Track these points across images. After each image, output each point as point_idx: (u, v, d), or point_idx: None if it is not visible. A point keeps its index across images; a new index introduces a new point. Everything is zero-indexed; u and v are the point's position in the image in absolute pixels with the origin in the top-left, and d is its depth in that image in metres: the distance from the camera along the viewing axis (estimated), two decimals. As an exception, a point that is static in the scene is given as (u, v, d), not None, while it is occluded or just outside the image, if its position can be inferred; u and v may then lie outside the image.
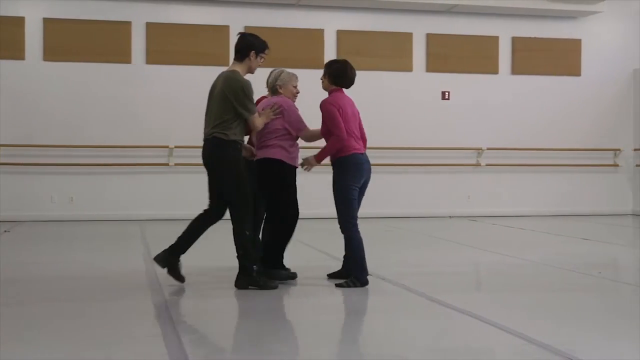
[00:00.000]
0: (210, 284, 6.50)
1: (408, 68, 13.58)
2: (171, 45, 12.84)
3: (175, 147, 12.73)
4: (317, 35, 13.18)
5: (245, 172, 6.13)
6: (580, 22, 14.33)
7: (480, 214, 13.67)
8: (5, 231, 10.72)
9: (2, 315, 5.16)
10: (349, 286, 6.21)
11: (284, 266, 6.63)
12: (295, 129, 6.47)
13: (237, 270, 6.16)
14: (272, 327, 5.10)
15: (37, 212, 12.29)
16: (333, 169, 6.37)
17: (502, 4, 13.51)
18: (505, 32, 14.04)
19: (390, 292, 6.26)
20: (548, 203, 14.10)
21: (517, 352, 4.38)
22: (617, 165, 14.44)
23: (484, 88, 13.96)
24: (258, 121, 6.12)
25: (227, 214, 6.24)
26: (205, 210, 6.31)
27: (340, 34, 13.32)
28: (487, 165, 13.89)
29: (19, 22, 12.39)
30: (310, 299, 6.00)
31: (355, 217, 6.29)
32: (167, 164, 12.74)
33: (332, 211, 6.43)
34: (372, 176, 6.52)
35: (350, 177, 6.24)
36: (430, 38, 13.75)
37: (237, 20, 13.03)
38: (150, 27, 12.79)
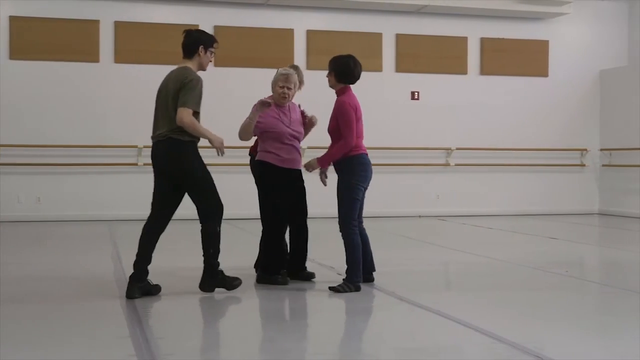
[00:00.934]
0: (177, 284, 6.46)
1: (378, 68, 13.62)
2: (140, 44, 12.74)
3: (144, 146, 12.63)
4: (286, 35, 13.17)
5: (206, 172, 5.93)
6: (547, 24, 14.48)
7: (450, 214, 13.75)
8: (-30, 232, 10.57)
9: (-32, 317, 5.10)
10: (343, 290, 6.07)
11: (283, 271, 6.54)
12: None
13: (200, 272, 6.04)
14: (239, 328, 5.09)
15: (4, 213, 12.12)
16: (338, 167, 6.21)
17: (470, 5, 13.61)
18: (474, 32, 14.14)
19: (360, 291, 6.27)
20: (516, 202, 14.23)
21: (486, 350, 4.42)
22: (584, 165, 14.61)
23: (453, 88, 14.04)
24: (185, 116, 5.65)
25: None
26: (149, 220, 6.03)
27: (310, 33, 13.32)
28: (456, 165, 13.98)
29: (-15, 20, 12.24)
30: (277, 301, 5.99)
31: (355, 219, 6.20)
32: (135, 164, 12.65)
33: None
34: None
35: (359, 177, 6.18)
36: (399, 38, 13.81)
37: (207, 20, 12.97)
38: (119, 26, 12.69)
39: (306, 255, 6.67)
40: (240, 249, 8.58)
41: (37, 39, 12.34)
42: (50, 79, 12.41)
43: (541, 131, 14.33)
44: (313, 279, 6.59)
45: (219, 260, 5.95)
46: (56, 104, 12.42)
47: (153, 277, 6.02)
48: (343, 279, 6.18)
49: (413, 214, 13.62)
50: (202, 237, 5.95)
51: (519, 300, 5.97)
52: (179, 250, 8.73)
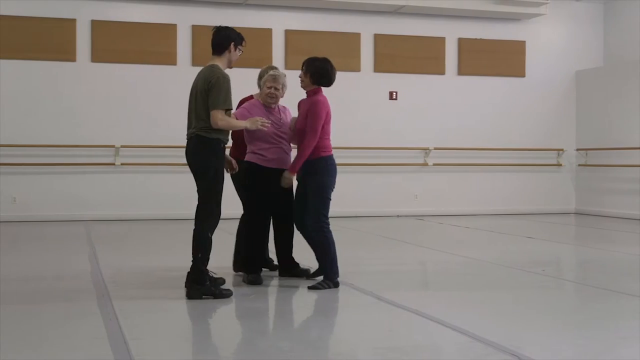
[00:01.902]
0: (156, 284, 6.43)
1: (356, 68, 13.64)
2: (117, 43, 12.66)
3: (122, 146, 12.57)
4: (265, 34, 13.15)
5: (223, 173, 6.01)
6: (524, 24, 14.58)
7: (427, 213, 13.80)
8: (-55, 232, 10.46)
9: (-58, 318, 5.04)
10: (323, 288, 6.14)
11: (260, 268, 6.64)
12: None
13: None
14: (217, 329, 5.07)
15: (-21, 213, 12.01)
16: (312, 169, 6.25)
17: (448, 6, 13.66)
18: (451, 33, 14.20)
19: (337, 291, 6.28)
20: (493, 202, 14.31)
21: (463, 349, 4.44)
22: (560, 165, 14.72)
23: (431, 88, 14.09)
24: (219, 118, 5.75)
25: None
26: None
27: (289, 33, 13.31)
28: (434, 164, 14.03)
29: (-41, 18, 12.11)
30: (256, 302, 5.98)
31: (328, 218, 6.28)
32: (113, 164, 12.57)
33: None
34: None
35: (330, 177, 6.28)
36: (377, 38, 13.84)
37: (185, 19, 12.93)
38: (96, 24, 12.60)
39: (291, 253, 6.74)
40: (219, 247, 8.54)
41: (13, 38, 12.22)
42: (26, 78, 12.29)
43: (518, 131, 14.42)
44: (306, 276, 6.67)
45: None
46: (32, 103, 12.31)
47: (133, 277, 6.01)
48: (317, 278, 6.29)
49: (391, 214, 13.66)
50: (193, 240, 5.89)
51: (496, 299, 6.00)
52: (163, 250, 8.69)
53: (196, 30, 12.90)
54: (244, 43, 6.12)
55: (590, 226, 12.54)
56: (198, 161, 5.87)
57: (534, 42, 14.63)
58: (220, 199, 5.91)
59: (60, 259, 8.13)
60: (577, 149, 14.75)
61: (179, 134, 12.71)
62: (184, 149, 6.04)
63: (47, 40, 12.38)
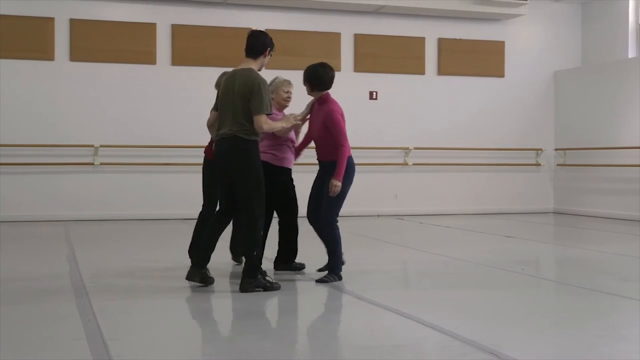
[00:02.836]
0: (135, 285, 6.41)
1: (336, 68, 13.40)
2: (96, 42, 12.58)
3: (101, 146, 12.50)
4: (245, 34, 13.01)
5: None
6: (503, 25, 14.66)
7: (408, 213, 13.84)
8: None
9: None
10: (329, 281, 6.44)
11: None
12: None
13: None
14: (198, 328, 5.06)
15: (-44, 213, 11.90)
16: (328, 169, 6.49)
17: (428, 6, 13.71)
18: (431, 33, 14.25)
19: (318, 290, 6.28)
20: (473, 201, 14.38)
21: (443, 348, 4.46)
22: (539, 165, 14.82)
23: (411, 88, 14.13)
24: (263, 122, 5.96)
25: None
26: (212, 213, 6.46)
27: (269, 33, 13.24)
28: (414, 164, 14.08)
29: (-64, 16, 11.98)
30: (237, 301, 5.97)
31: (338, 216, 6.63)
32: (92, 164, 12.50)
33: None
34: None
35: (348, 179, 6.60)
36: (358, 38, 13.86)
37: (164, 18, 12.87)
38: (75, 23, 12.52)
39: (296, 251, 7.04)
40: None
41: (-10, 37, 12.12)
42: (3, 77, 12.18)
43: (497, 131, 14.50)
44: (303, 270, 7.00)
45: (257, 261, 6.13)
46: (10, 102, 12.20)
47: (110, 278, 5.98)
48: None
49: (371, 213, 13.68)
50: (245, 239, 6.12)
51: (475, 298, 6.03)
52: (142, 250, 8.65)
53: (176, 29, 12.85)
54: (274, 48, 6.37)
55: (569, 225, 12.64)
56: (238, 163, 5.99)
57: (513, 42, 14.72)
58: (264, 194, 6.06)
59: (39, 259, 8.06)
60: (556, 149, 14.85)
61: (159, 134, 12.84)
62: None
63: (24, 39, 12.27)
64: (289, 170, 6.94)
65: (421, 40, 14.19)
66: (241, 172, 5.99)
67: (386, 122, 13.90)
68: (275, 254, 7.10)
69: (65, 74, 12.47)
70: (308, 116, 6.69)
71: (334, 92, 6.74)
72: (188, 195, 12.72)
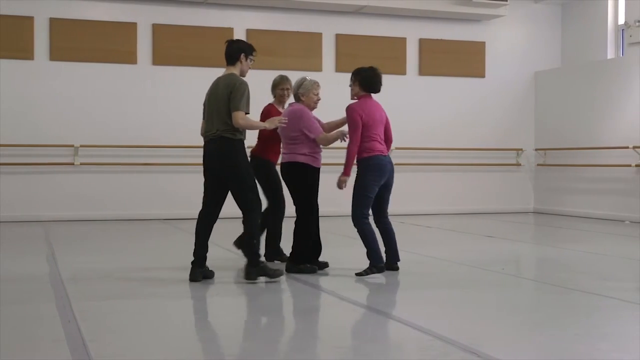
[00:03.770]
0: (115, 286, 6.38)
1: (318, 68, 13.65)
2: (76, 41, 12.51)
3: (81, 146, 12.42)
4: (226, 34, 13.06)
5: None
6: (484, 25, 14.72)
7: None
8: None
9: None
10: (368, 273, 6.78)
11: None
12: (312, 134, 7.09)
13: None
14: (178, 329, 5.04)
15: None
16: (357, 167, 6.97)
17: (409, 6, 13.74)
18: (412, 33, 14.28)
19: (300, 290, 6.29)
20: (454, 201, 14.43)
21: (424, 347, 4.47)
22: (520, 165, 14.90)
23: (392, 88, 14.10)
24: (240, 118, 6.28)
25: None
26: (201, 213, 6.53)
27: (250, 33, 13.27)
28: (395, 165, 14.05)
29: None
30: (218, 302, 5.96)
31: (367, 213, 7.03)
32: (72, 164, 12.42)
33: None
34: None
35: (372, 177, 6.94)
36: (339, 38, 13.87)
37: (145, 18, 12.82)
38: (54, 22, 12.43)
39: (318, 248, 7.34)
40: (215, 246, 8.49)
41: (-31, 36, 12.02)
42: (-17, 76, 12.09)
43: (478, 131, 14.56)
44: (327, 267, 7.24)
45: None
46: (-11, 102, 12.10)
47: (88, 279, 5.94)
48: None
49: (353, 213, 13.67)
50: (245, 230, 6.55)
51: (456, 297, 6.05)
52: (122, 250, 8.60)
53: (157, 29, 12.80)
54: (254, 53, 6.63)
55: (549, 225, 12.71)
56: (227, 164, 6.35)
57: (493, 43, 14.79)
58: (255, 187, 6.49)
59: (18, 260, 8.00)
60: (536, 149, 14.94)
61: (140, 133, 12.78)
62: (201, 149, 6.50)
63: (4, 38, 12.17)
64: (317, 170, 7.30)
65: (402, 41, 14.22)
66: (231, 170, 6.35)
67: (367, 122, 13.89)
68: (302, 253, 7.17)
69: (45, 74, 12.39)
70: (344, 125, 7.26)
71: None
72: (169, 195, 12.70)
